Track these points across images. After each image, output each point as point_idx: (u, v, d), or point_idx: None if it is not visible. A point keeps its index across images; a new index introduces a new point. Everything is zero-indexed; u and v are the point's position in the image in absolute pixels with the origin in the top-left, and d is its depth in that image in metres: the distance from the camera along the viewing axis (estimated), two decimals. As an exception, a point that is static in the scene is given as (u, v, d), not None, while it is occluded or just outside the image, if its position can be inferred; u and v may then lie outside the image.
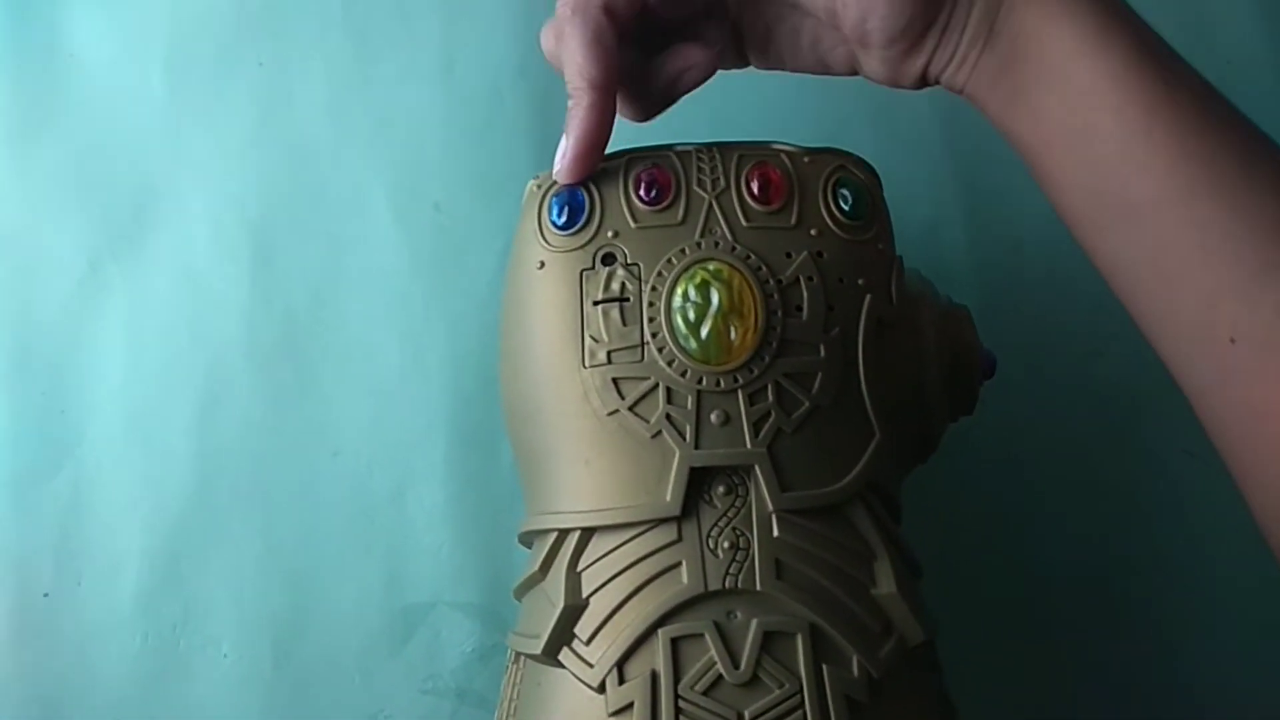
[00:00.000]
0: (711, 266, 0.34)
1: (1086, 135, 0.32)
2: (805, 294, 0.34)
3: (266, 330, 0.50)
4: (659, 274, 0.35)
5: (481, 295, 0.51)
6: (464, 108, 0.53)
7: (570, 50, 0.35)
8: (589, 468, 0.34)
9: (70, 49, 0.54)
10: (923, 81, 0.36)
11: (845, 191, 0.37)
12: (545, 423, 0.35)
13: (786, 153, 0.37)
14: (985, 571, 0.49)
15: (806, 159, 0.37)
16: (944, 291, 0.41)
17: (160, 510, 0.48)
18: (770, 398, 0.33)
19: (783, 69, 0.40)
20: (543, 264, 0.36)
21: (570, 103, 0.35)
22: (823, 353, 0.34)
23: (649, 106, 0.38)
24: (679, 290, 0.34)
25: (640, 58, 0.38)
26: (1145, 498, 0.51)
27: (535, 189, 0.37)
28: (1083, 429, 0.51)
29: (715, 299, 0.34)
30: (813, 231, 0.35)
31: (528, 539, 0.36)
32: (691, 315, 0.34)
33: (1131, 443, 0.51)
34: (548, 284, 0.35)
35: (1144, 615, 0.49)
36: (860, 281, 0.35)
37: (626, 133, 0.37)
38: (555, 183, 0.37)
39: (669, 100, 0.38)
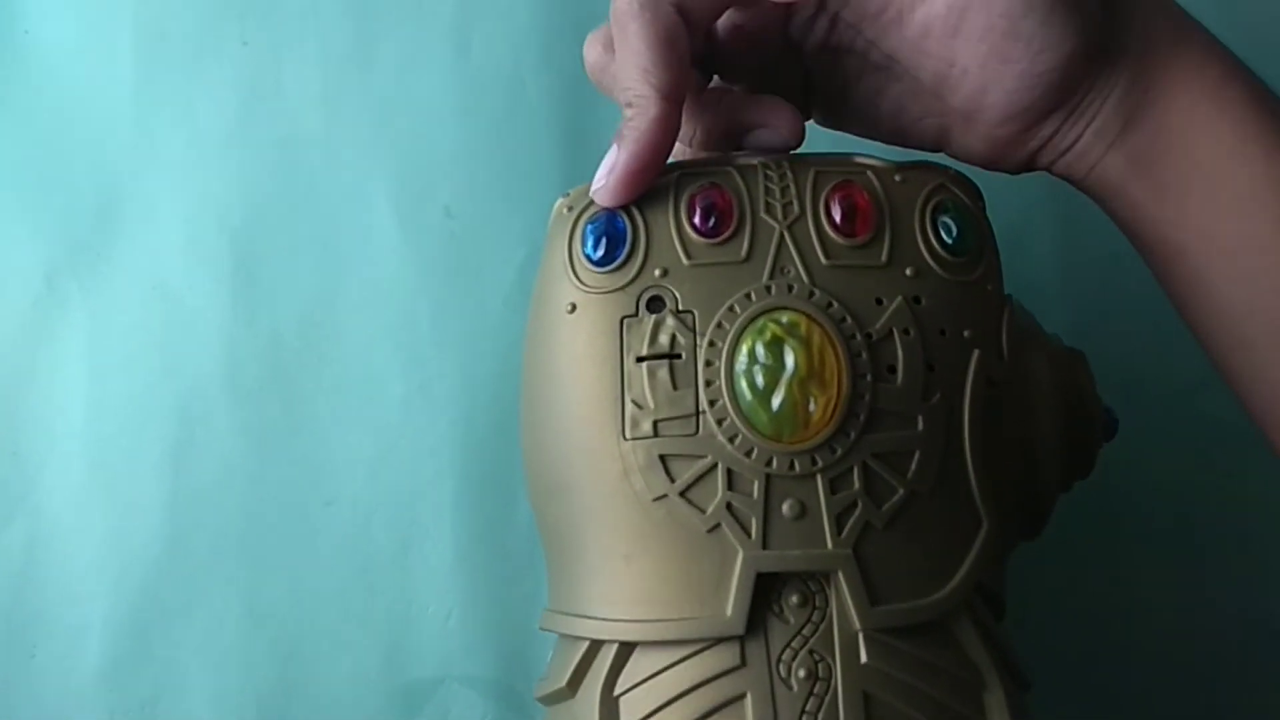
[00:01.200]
0: (785, 319, 0.29)
1: (1244, 245, 0.30)
2: (900, 352, 0.29)
3: (250, 357, 0.47)
4: (719, 325, 0.29)
5: (499, 315, 0.47)
6: (480, 96, 0.50)
7: (632, 51, 0.30)
8: (629, 565, 0.29)
9: (25, 24, 0.50)
10: (1028, 166, 0.34)
11: (948, 219, 0.31)
12: (575, 503, 0.31)
13: (874, 169, 0.32)
14: (1070, 629, 0.45)
15: (898, 176, 0.32)
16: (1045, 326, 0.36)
17: (127, 570, 0.45)
18: (857, 484, 0.29)
19: (849, 132, 0.36)
20: (574, 307, 0.31)
21: (629, 112, 0.30)
22: (921, 425, 0.29)
23: (707, 145, 0.34)
24: (744, 347, 0.29)
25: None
26: (1255, 555, 0.46)
27: (565, 211, 0.32)
28: (1183, 473, 0.47)
29: (790, 361, 0.29)
30: (908, 271, 0.30)
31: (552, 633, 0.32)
32: (760, 380, 0.29)
33: (1238, 490, 0.47)
34: (580, 333, 0.31)
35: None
36: (966, 334, 0.30)
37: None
38: (590, 204, 0.32)
39: (733, 146, 0.34)
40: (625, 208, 0.31)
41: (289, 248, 0.48)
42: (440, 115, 0.49)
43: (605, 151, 0.48)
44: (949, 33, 0.30)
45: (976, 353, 0.30)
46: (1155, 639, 0.46)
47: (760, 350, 0.29)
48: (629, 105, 0.30)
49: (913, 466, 0.29)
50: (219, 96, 0.49)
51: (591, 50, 0.33)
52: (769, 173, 0.32)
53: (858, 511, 0.28)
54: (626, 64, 0.30)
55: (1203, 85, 0.31)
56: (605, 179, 0.31)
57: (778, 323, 0.29)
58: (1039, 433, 0.33)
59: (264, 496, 0.46)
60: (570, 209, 0.32)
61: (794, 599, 0.28)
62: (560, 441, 0.31)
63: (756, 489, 0.28)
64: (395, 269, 0.48)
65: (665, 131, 0.30)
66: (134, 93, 0.49)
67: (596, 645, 0.29)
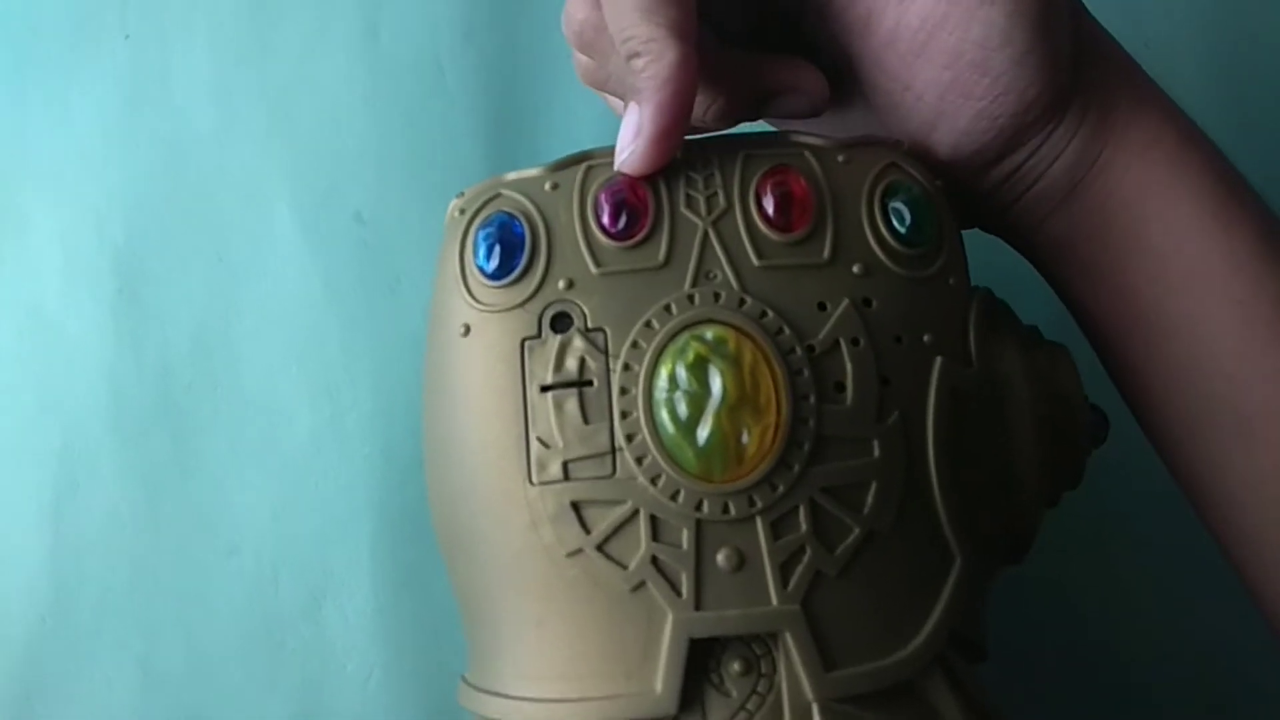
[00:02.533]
0: (710, 334, 0.26)
1: (1193, 328, 0.29)
2: (849, 365, 0.26)
3: (137, 389, 0.45)
4: (634, 345, 0.26)
5: (419, 333, 0.44)
6: (392, 85, 0.47)
7: None
8: (542, 631, 0.26)
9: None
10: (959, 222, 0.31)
11: (900, 205, 0.28)
12: (481, 559, 0.27)
13: (813, 149, 0.29)
14: (1061, 633, 0.43)
15: (841, 157, 0.28)
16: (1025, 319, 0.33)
17: (5, 632, 0.43)
18: (804, 526, 0.25)
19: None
20: (468, 328, 0.27)
21: (639, 63, 0.27)
22: (877, 451, 0.26)
23: (728, 116, 0.31)
24: (663, 371, 0.26)
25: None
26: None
27: (456, 215, 0.29)
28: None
29: (717, 385, 0.25)
30: (856, 269, 0.27)
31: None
32: (683, 409, 0.25)
33: None
34: (475, 359, 0.27)
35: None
36: (926, 338, 0.27)
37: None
38: (484, 206, 0.28)
39: (752, 116, 0.31)
40: (523, 209, 0.28)
41: (178, 264, 0.46)
42: (347, 107, 0.47)
43: (534, 144, 0.47)
44: (914, 50, 0.28)
45: (939, 360, 0.27)
46: (1148, 644, 0.44)
47: (682, 374, 0.25)
48: (636, 55, 0.27)
49: (869, 500, 0.26)
50: (98, 95, 0.47)
51: (578, 8, 0.29)
52: (690, 159, 0.28)
53: (806, 558, 0.25)
54: (624, 9, 0.27)
55: (1161, 153, 0.29)
56: (631, 143, 0.27)
57: (701, 340, 0.26)
58: (1017, 445, 0.30)
59: (156, 547, 0.43)
60: (462, 211, 0.29)
61: (735, 667, 0.25)
62: (460, 488, 0.27)
63: (686, 538, 0.25)
64: (299, 284, 0.45)
65: (690, 75, 0.26)
66: (2, 92, 0.48)
67: (508, 726, 0.26)
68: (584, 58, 0.31)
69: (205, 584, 0.43)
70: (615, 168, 0.27)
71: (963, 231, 0.30)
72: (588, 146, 0.30)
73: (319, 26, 0.48)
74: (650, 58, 0.26)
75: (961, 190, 0.30)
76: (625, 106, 0.27)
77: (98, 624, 0.43)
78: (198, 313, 0.45)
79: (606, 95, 0.33)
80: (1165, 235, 0.29)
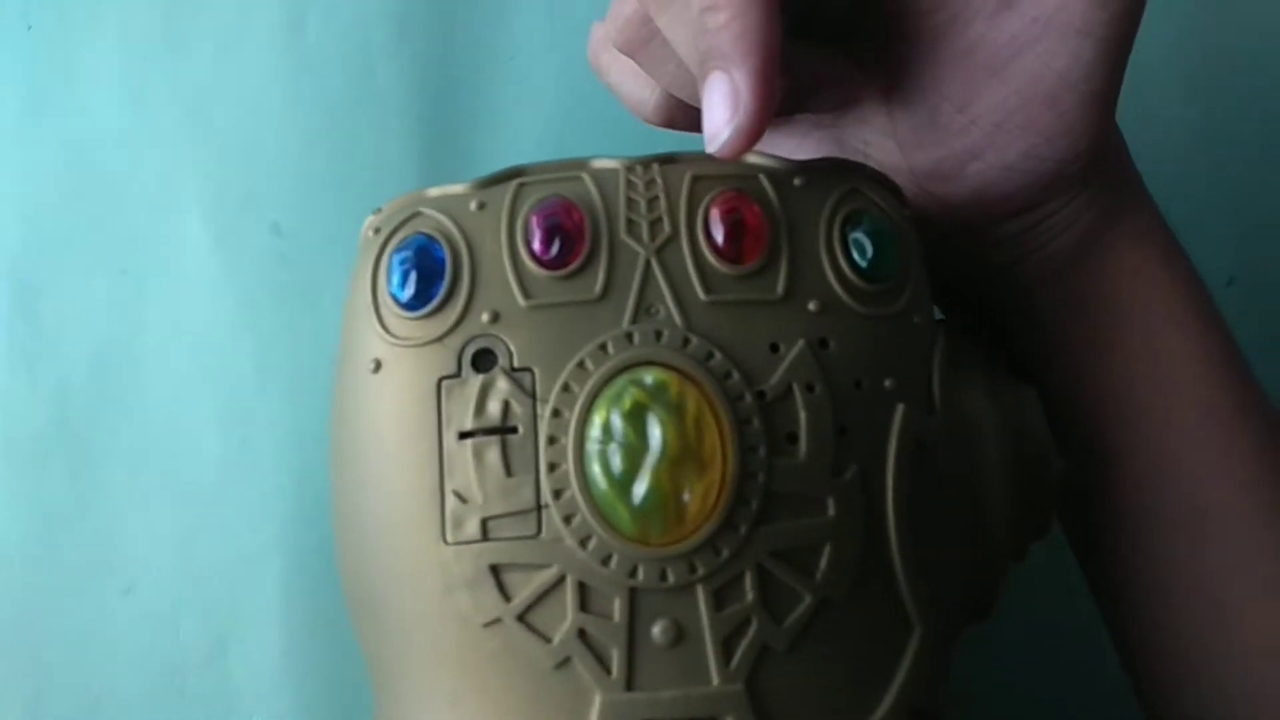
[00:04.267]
0: (650, 378, 0.23)
1: (1160, 416, 0.30)
2: (803, 414, 0.24)
3: (30, 413, 0.42)
4: (565, 388, 0.23)
5: (338, 355, 0.42)
6: (316, 85, 0.45)
7: None
8: (456, 711, 0.23)
9: None
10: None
11: (861, 235, 0.26)
12: (389, 626, 0.25)
13: (767, 171, 0.26)
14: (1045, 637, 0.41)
15: (798, 180, 0.26)
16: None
17: None
18: (750, 594, 0.23)
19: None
20: (378, 364, 0.25)
21: (719, 17, 0.23)
22: (833, 510, 0.24)
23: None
24: (596, 419, 0.23)
25: None
26: None
27: (370, 235, 0.26)
28: None
29: (656, 437, 0.23)
30: (812, 306, 0.25)
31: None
32: (617, 463, 0.23)
33: None
34: (386, 399, 0.25)
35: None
36: (888, 384, 0.25)
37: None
38: (401, 225, 0.26)
39: (789, 110, 0.29)
40: (445, 230, 0.25)
41: (79, 276, 0.43)
42: (267, 108, 0.44)
43: (472, 152, 0.45)
44: (992, 67, 0.27)
45: (901, 408, 0.25)
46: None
47: (617, 423, 0.23)
48: (715, 9, 0.23)
49: (822, 565, 0.23)
50: (-5, 92, 0.44)
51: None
52: (633, 179, 0.26)
53: (751, 631, 0.23)
54: None
55: (1153, 247, 0.30)
56: (733, 119, 0.23)
57: (640, 384, 0.23)
58: (983, 498, 0.28)
59: (48, 583, 0.41)
60: (377, 231, 0.26)
61: (671, 755, 0.23)
62: (367, 545, 0.25)
63: (618, 609, 0.23)
64: (210, 299, 0.43)
65: (778, 38, 0.23)
66: (-117, 89, 0.44)
67: (416, 816, 0.23)
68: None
69: (100, 624, 0.40)
70: (715, 151, 0.24)
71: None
72: (531, 154, 0.27)
73: (239, 20, 0.45)
74: (733, 13, 0.23)
75: (969, 236, 0.29)
76: (703, 80, 0.24)
77: (-19, 669, 0.40)
78: (99, 329, 0.42)
79: (629, 85, 0.30)
80: (1149, 325, 0.30)
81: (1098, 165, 0.28)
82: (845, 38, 0.30)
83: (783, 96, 0.27)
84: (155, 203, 0.43)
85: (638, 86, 0.29)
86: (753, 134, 0.24)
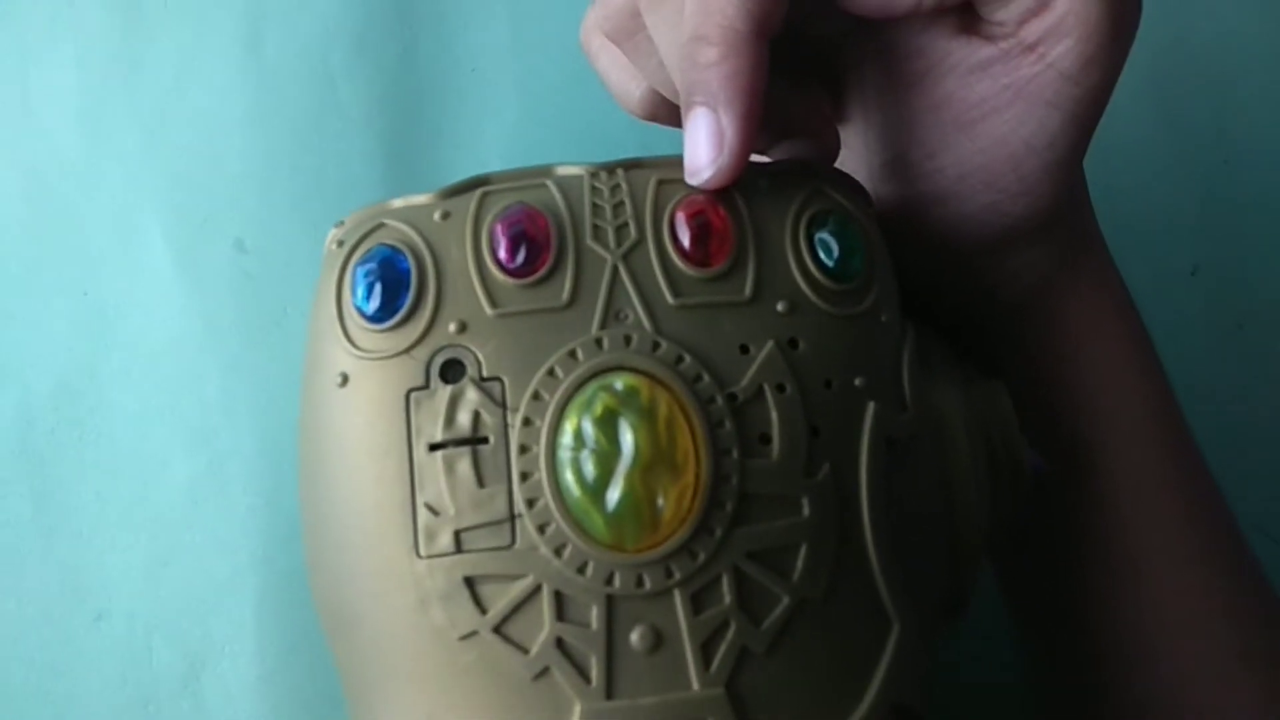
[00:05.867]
0: (620, 384, 0.23)
1: (1103, 462, 0.31)
2: (775, 414, 0.24)
3: None
4: (535, 397, 0.23)
5: (304, 370, 0.41)
6: (278, 100, 0.44)
7: None
8: None
9: None
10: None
11: (827, 235, 0.26)
12: (363, 641, 0.24)
13: None
14: None
15: (764, 183, 0.26)
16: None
17: None
18: (728, 597, 0.23)
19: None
20: (345, 378, 0.25)
21: (710, 53, 0.24)
22: (808, 510, 0.24)
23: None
24: (568, 426, 0.23)
25: None
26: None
27: (334, 248, 0.26)
28: None
29: (628, 442, 0.23)
30: (781, 306, 0.25)
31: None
32: (590, 470, 0.23)
33: None
34: (355, 413, 0.24)
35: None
36: (858, 382, 0.25)
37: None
38: (365, 237, 0.25)
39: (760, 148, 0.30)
40: (409, 242, 0.25)
41: (40, 299, 0.42)
42: (228, 125, 0.44)
43: (436, 164, 0.44)
44: (961, 124, 0.27)
45: (873, 406, 0.25)
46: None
47: (589, 429, 0.23)
48: (706, 42, 0.24)
49: (799, 565, 0.23)
50: (-53, 113, 0.44)
51: None
52: (597, 185, 0.26)
53: (730, 634, 0.23)
54: None
55: (1108, 296, 0.31)
56: (718, 154, 0.24)
57: (610, 390, 0.23)
58: (956, 494, 0.28)
59: (16, 612, 0.40)
60: (340, 244, 0.26)
61: (653, 761, 0.22)
62: (339, 562, 0.25)
63: (595, 616, 0.22)
64: (174, 319, 0.42)
65: (763, 84, 0.24)
66: None
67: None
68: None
69: (71, 653, 0.39)
70: (695, 184, 0.25)
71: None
72: (495, 165, 0.27)
73: (197, 39, 0.44)
74: (726, 50, 0.23)
75: (934, 265, 0.30)
76: (688, 111, 0.24)
77: (-52, 702, 0.39)
78: (61, 353, 0.41)
79: (613, 71, 0.30)
80: (1099, 368, 0.31)
81: (1058, 220, 0.29)
82: (828, 69, 0.30)
83: (763, 133, 0.28)
84: (116, 224, 0.43)
85: (625, 78, 0.29)
86: (734, 173, 0.24)
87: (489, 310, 0.24)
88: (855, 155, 0.30)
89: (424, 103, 0.45)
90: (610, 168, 0.26)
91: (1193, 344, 0.46)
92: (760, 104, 0.24)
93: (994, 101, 0.27)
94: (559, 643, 0.22)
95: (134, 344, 0.42)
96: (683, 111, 0.25)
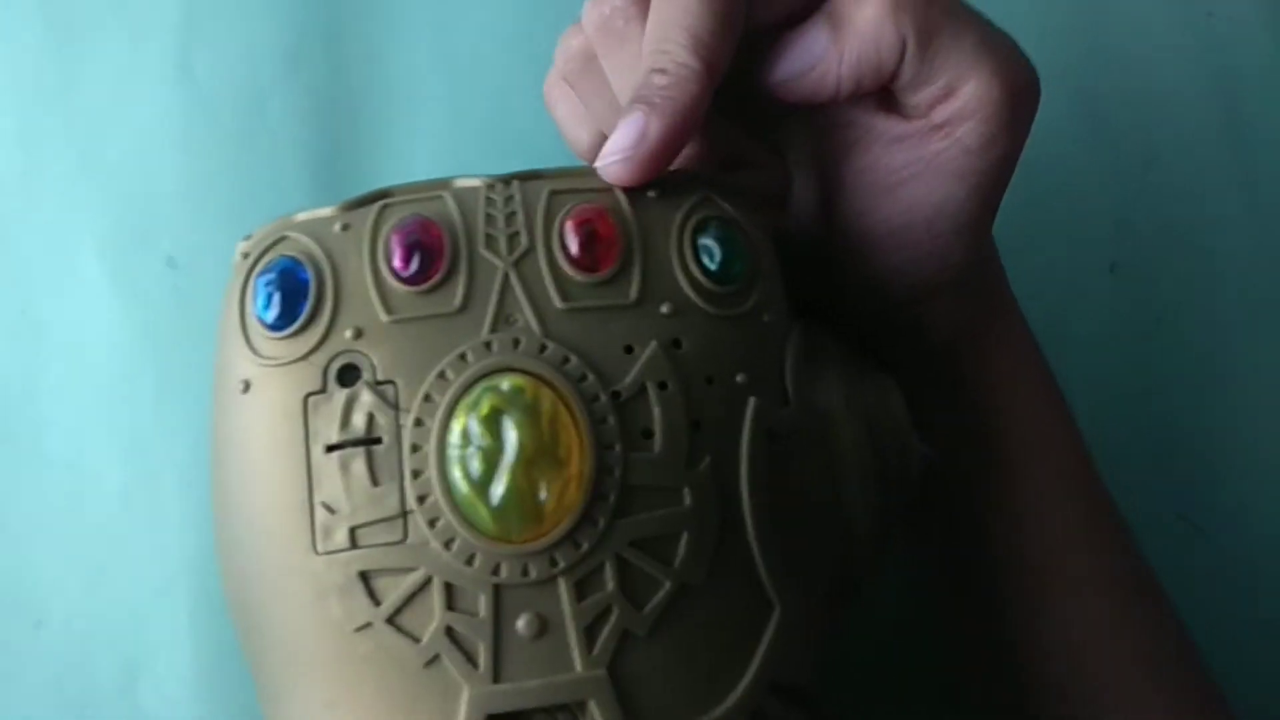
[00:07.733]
0: (506, 384, 0.24)
1: (1030, 502, 0.34)
2: (657, 410, 0.25)
3: None
4: (427, 398, 0.24)
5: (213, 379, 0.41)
6: (209, 119, 0.44)
7: (686, 9, 0.27)
8: (332, 714, 0.24)
9: None
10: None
11: (709, 241, 0.27)
12: (266, 634, 0.25)
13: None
14: None
15: (651, 193, 0.27)
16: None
17: None
18: (610, 584, 0.24)
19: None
20: (247, 384, 0.26)
21: (661, 79, 0.26)
22: (689, 500, 0.25)
23: (692, 166, 0.33)
24: (455, 425, 0.24)
25: None
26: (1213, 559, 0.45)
27: (240, 260, 0.27)
28: (1138, 475, 0.44)
29: (511, 439, 0.24)
30: (664, 309, 0.26)
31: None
32: (476, 466, 0.24)
33: (1196, 497, 0.45)
34: (256, 417, 0.25)
35: None
36: (740, 378, 0.26)
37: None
38: (268, 251, 0.26)
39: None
40: (309, 253, 0.26)
41: None
42: (160, 144, 0.44)
43: (366, 181, 0.44)
44: (882, 187, 0.30)
45: (753, 401, 0.26)
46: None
47: (475, 427, 0.24)
48: (661, 71, 0.26)
49: (680, 552, 0.24)
50: (-117, 134, 0.43)
51: (597, 9, 0.29)
52: (493, 196, 0.27)
53: (613, 619, 0.24)
54: (672, 23, 0.27)
55: (1018, 341, 0.34)
56: (631, 149, 0.26)
57: (496, 390, 0.24)
58: (842, 484, 0.29)
59: None
60: (246, 256, 0.27)
61: (538, 741, 0.23)
62: (243, 560, 0.26)
63: (483, 605, 0.23)
64: (108, 333, 0.42)
65: (700, 115, 0.26)
66: None
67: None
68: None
69: (10, 661, 0.39)
70: (600, 168, 0.26)
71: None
72: (423, 178, 0.28)
73: (129, 57, 0.45)
74: (675, 80, 0.26)
75: (862, 306, 0.32)
76: (624, 113, 0.26)
77: (-113, 713, 0.38)
78: (-2, 367, 0.41)
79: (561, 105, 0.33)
80: (1014, 411, 0.34)
81: (971, 274, 0.32)
82: (777, 127, 0.32)
83: (700, 159, 0.32)
84: (51, 241, 0.43)
85: (576, 125, 0.32)
86: (639, 170, 0.26)
87: (384, 317, 0.25)
88: (798, 203, 0.32)
89: (353, 121, 0.45)
90: (506, 179, 0.27)
91: (1112, 339, 0.46)
92: (689, 130, 0.26)
93: (910, 170, 0.29)
94: (449, 631, 0.23)
95: (69, 357, 0.42)
96: (620, 117, 0.26)
